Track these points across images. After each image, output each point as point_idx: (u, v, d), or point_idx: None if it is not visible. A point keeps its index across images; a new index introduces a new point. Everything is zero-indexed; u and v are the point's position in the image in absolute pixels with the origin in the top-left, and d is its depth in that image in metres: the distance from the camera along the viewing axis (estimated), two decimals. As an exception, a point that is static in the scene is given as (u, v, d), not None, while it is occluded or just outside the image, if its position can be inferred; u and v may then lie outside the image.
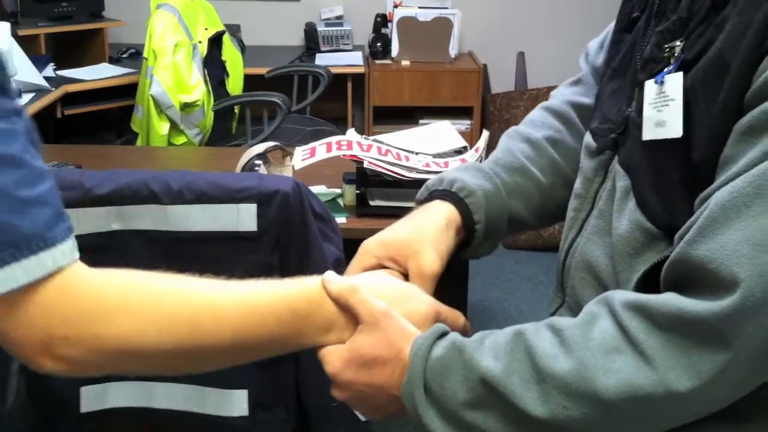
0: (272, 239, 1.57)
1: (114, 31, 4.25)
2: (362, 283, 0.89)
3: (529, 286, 3.56)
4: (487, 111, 4.26)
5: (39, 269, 0.70)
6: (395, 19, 4.24)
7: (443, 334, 0.86)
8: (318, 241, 1.61)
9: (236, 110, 3.76)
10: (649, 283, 0.84)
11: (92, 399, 1.69)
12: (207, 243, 1.56)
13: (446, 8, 4.32)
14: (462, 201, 1.03)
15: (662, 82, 0.84)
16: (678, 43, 0.84)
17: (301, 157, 1.98)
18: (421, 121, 4.14)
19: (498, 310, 3.39)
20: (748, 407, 0.80)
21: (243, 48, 4.05)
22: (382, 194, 2.08)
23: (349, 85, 4.17)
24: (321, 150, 1.99)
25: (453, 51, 4.26)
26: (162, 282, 0.80)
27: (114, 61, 4.05)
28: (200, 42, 3.40)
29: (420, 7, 4.31)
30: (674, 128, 0.81)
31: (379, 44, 4.30)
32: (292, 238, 1.57)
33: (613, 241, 0.89)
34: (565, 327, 0.81)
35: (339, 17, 4.53)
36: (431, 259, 0.97)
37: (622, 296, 0.80)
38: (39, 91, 3.40)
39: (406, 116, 4.25)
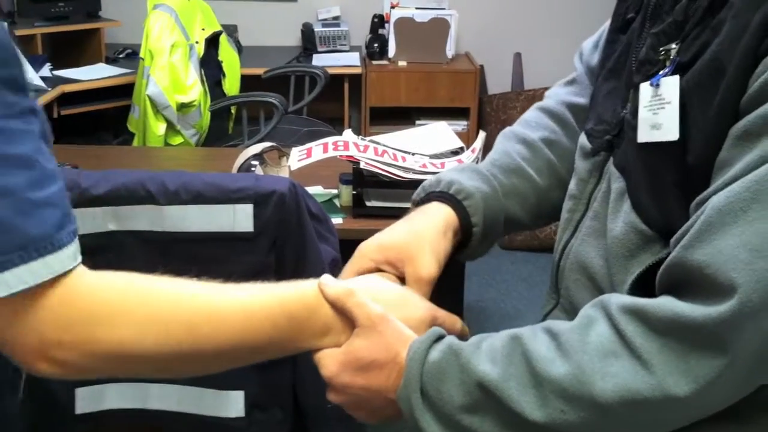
0: (268, 240, 1.57)
1: (111, 32, 4.24)
2: (359, 286, 0.89)
3: (526, 287, 3.56)
4: (484, 112, 4.26)
5: (46, 272, 0.70)
6: (392, 20, 4.24)
7: (440, 338, 0.86)
8: (314, 242, 1.61)
9: (233, 111, 3.75)
10: (643, 285, 0.84)
11: (87, 400, 1.68)
12: (203, 243, 1.56)
13: (443, 9, 4.32)
14: (460, 203, 1.02)
15: (658, 85, 0.84)
16: (673, 45, 0.84)
17: (297, 158, 1.98)
18: (417, 122, 4.14)
19: (494, 310, 3.40)
20: (748, 408, 0.80)
21: (240, 48, 4.05)
22: (378, 195, 2.08)
23: (346, 85, 4.17)
24: (317, 150, 1.99)
25: (450, 52, 4.26)
26: (160, 285, 0.79)
27: (111, 61, 4.05)
28: (197, 42, 3.39)
29: (417, 8, 4.31)
30: (670, 131, 0.81)
31: (376, 45, 4.30)
32: (289, 238, 1.58)
33: (608, 242, 0.89)
34: (561, 331, 0.81)
35: (336, 18, 4.53)
36: (429, 263, 0.96)
37: (618, 300, 0.80)
38: (35, 91, 3.40)
39: (402, 117, 4.25)
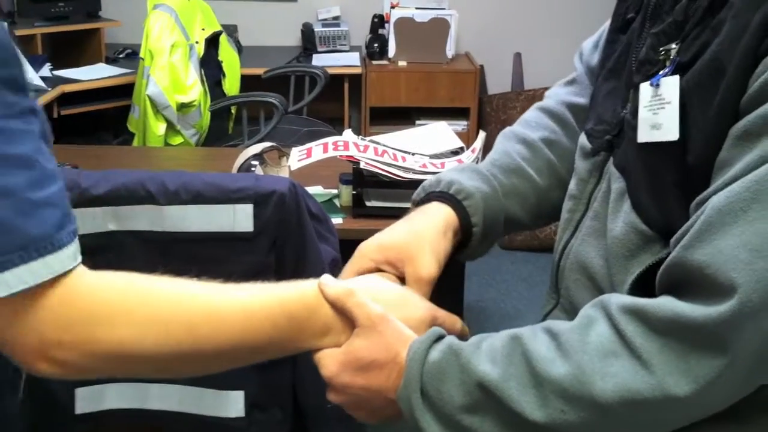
0: (268, 240, 1.57)
1: (111, 32, 4.24)
2: (359, 286, 0.89)
3: (525, 287, 3.56)
4: (484, 112, 4.26)
5: (46, 272, 0.70)
6: (392, 20, 4.24)
7: (440, 338, 0.86)
8: (314, 242, 1.61)
9: (233, 111, 3.76)
10: (643, 285, 0.84)
11: (87, 400, 1.68)
12: (203, 243, 1.56)
13: (443, 9, 4.32)
14: (460, 203, 1.02)
15: (658, 85, 0.84)
16: (673, 45, 0.84)
17: (297, 158, 1.98)
18: (417, 122, 4.14)
19: (494, 310, 3.40)
20: (748, 408, 0.80)
21: (240, 48, 4.05)
22: (378, 195, 2.08)
23: (346, 85, 4.17)
24: (317, 150, 1.99)
25: (450, 52, 4.26)
26: (161, 285, 0.79)
27: (111, 61, 4.05)
28: (197, 42, 3.40)
29: (417, 8, 4.31)
30: (670, 131, 0.81)
31: (376, 45, 4.30)
32: (289, 238, 1.58)
33: (608, 242, 0.89)
34: (561, 331, 0.81)
35: (336, 18, 4.53)
36: (429, 263, 0.96)
37: (618, 300, 0.80)
38: (35, 91, 3.40)
39: (402, 117, 4.25)
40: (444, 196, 1.03)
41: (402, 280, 0.97)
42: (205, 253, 1.55)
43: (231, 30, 4.12)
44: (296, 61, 4.27)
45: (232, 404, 1.69)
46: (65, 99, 3.63)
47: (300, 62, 4.24)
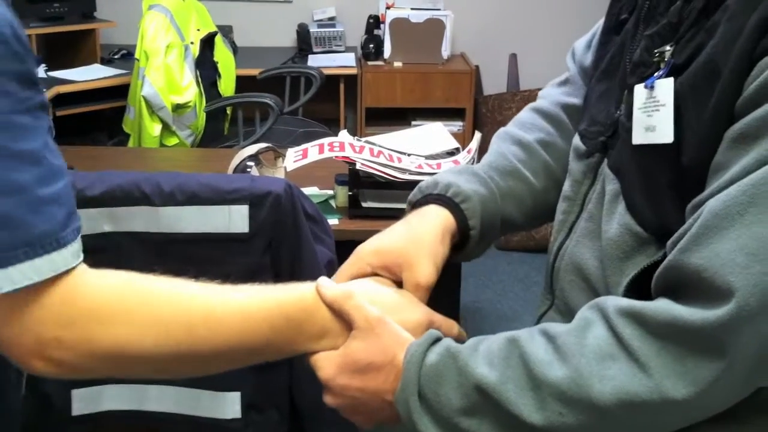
0: (264, 241, 1.57)
1: (106, 32, 4.23)
2: (357, 289, 0.89)
3: (522, 287, 3.57)
4: (480, 112, 4.26)
5: (49, 269, 0.70)
6: (387, 21, 4.24)
7: (437, 340, 0.86)
8: (310, 243, 1.61)
9: (228, 111, 3.75)
10: (638, 286, 0.84)
11: (84, 402, 1.68)
12: (199, 244, 1.56)
13: (438, 10, 4.32)
14: (457, 206, 1.02)
15: (652, 87, 0.84)
16: (668, 47, 0.84)
17: (293, 159, 1.98)
18: (413, 123, 4.14)
19: (491, 311, 3.40)
20: (746, 410, 0.80)
21: (235, 49, 4.04)
22: (374, 196, 2.08)
23: (342, 86, 4.17)
24: (313, 151, 1.99)
25: (445, 52, 4.26)
26: (160, 286, 0.79)
27: (106, 62, 4.04)
28: (192, 43, 3.39)
29: (412, 9, 4.31)
30: (665, 134, 0.81)
31: (371, 45, 4.30)
32: (284, 239, 1.57)
33: (603, 244, 0.89)
34: (559, 333, 0.81)
35: (331, 18, 4.52)
36: (427, 270, 0.96)
37: (615, 302, 0.80)
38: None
39: (398, 117, 4.25)
40: (442, 198, 1.03)
41: (399, 284, 0.97)
42: (201, 254, 1.55)
43: (226, 31, 4.11)
44: (292, 61, 4.27)
45: (229, 405, 1.69)
46: (60, 100, 3.62)
47: (295, 63, 4.24)
